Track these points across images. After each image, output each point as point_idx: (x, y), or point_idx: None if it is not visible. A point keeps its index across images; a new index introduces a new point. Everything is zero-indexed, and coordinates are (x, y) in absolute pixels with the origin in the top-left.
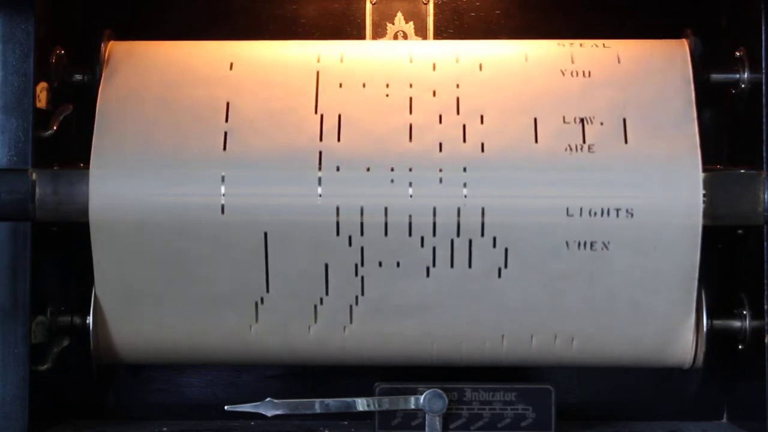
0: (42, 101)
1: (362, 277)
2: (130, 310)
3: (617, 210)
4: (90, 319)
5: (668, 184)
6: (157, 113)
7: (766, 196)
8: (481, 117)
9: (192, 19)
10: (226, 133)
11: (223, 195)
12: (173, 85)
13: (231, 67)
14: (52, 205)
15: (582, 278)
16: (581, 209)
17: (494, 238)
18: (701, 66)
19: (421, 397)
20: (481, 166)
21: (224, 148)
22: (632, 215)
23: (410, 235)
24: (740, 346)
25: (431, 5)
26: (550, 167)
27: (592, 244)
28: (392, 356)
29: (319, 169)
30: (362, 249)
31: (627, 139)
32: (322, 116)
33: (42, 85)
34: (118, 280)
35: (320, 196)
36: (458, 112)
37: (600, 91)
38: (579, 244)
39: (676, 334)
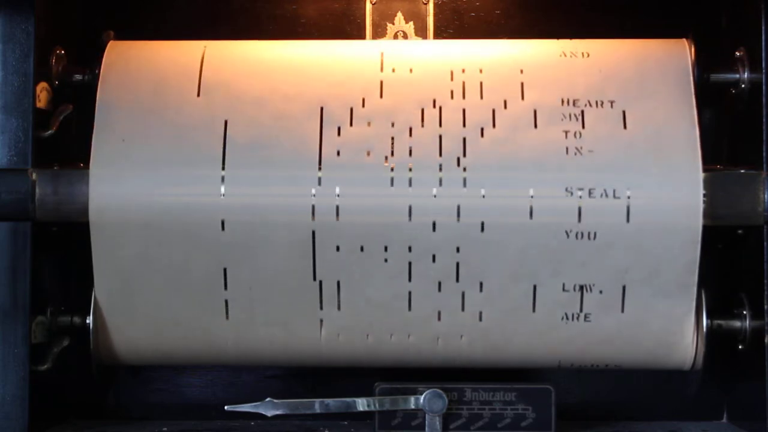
0: (42, 101)
1: None
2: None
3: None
4: (90, 319)
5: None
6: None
7: (766, 196)
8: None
9: (192, 19)
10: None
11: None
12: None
13: None
14: (52, 205)
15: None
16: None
17: None
18: (701, 66)
19: (421, 397)
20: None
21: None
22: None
23: None
24: (740, 346)
25: (431, 5)
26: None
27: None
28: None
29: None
30: None
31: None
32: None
33: (42, 85)
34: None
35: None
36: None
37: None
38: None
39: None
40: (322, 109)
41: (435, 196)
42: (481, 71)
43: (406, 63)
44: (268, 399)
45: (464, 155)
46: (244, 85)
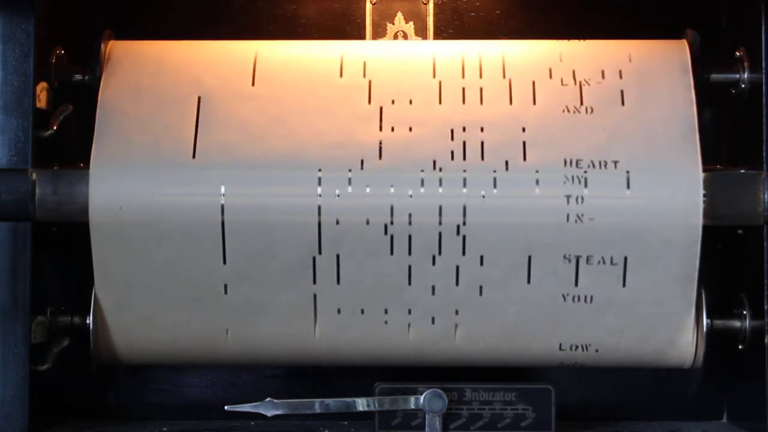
0: (42, 101)
1: None
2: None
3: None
4: (90, 319)
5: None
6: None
7: (766, 196)
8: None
9: (192, 19)
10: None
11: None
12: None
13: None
14: (52, 205)
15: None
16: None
17: None
18: (701, 66)
19: (421, 397)
20: None
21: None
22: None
23: None
24: (740, 346)
25: (431, 5)
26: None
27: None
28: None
29: None
30: None
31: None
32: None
33: (42, 85)
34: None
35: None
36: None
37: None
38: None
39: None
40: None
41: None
42: (482, 130)
43: (405, 123)
44: (268, 399)
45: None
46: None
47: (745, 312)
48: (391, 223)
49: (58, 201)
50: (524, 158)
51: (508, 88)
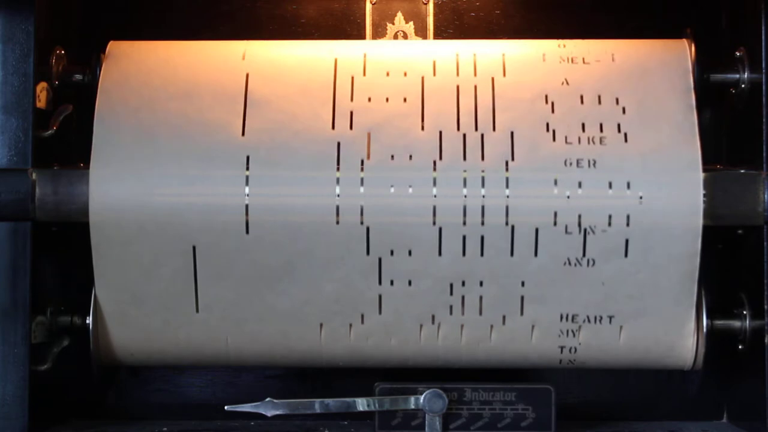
0: (42, 101)
1: None
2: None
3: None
4: (90, 319)
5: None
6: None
7: (766, 196)
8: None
9: (192, 19)
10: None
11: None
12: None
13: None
14: (52, 205)
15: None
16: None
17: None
18: (701, 66)
19: (421, 397)
20: None
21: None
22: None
23: None
24: (740, 346)
25: (431, 5)
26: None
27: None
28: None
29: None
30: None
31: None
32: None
33: (42, 85)
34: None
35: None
36: None
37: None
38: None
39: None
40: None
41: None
42: (481, 284)
43: (404, 277)
44: (268, 399)
45: None
46: None
47: (745, 312)
48: None
49: (58, 201)
50: (521, 313)
51: (510, 236)
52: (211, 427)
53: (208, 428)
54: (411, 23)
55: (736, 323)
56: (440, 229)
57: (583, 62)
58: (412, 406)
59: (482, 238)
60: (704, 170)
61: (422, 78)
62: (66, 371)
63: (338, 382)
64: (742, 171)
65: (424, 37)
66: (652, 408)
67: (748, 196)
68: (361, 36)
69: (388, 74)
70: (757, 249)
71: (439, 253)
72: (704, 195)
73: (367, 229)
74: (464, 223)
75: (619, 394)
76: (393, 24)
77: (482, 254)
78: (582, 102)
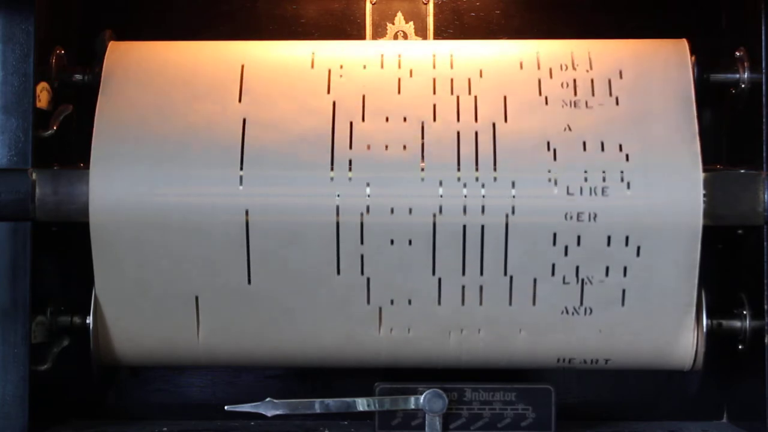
0: (42, 101)
1: None
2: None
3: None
4: (90, 319)
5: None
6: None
7: (766, 196)
8: None
9: (192, 19)
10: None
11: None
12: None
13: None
14: (52, 205)
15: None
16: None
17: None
18: (701, 66)
19: (421, 397)
20: None
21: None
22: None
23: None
24: (740, 346)
25: (431, 5)
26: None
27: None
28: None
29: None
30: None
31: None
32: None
33: (42, 85)
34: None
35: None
36: None
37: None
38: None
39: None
40: None
41: None
42: (479, 331)
43: (404, 325)
44: (268, 399)
45: None
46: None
47: (745, 312)
48: None
49: (58, 201)
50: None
51: (509, 286)
52: (211, 427)
53: (208, 428)
54: (411, 23)
55: (736, 323)
56: (440, 280)
57: (586, 106)
58: (412, 406)
59: (481, 287)
60: (704, 170)
61: (422, 124)
62: (66, 371)
63: (338, 382)
64: (742, 171)
65: (424, 37)
66: (652, 408)
67: (748, 196)
68: (361, 36)
69: (387, 120)
70: (757, 249)
71: (439, 303)
72: (704, 195)
73: (368, 280)
74: (463, 274)
75: (619, 394)
76: (393, 24)
77: (481, 303)
78: (584, 149)
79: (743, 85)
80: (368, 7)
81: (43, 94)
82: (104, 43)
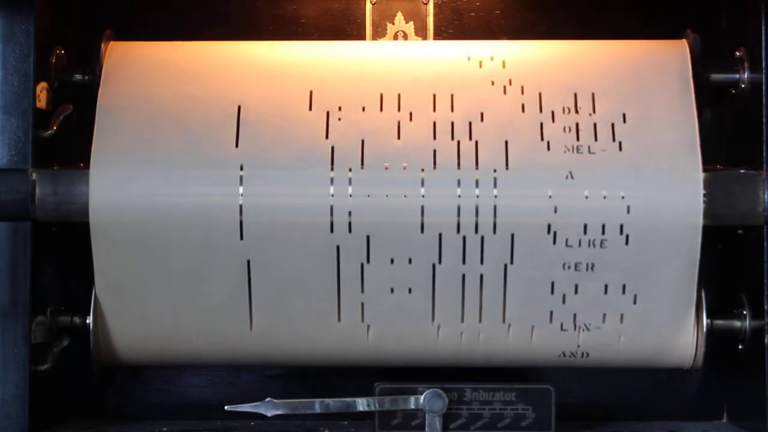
0: (42, 101)
1: None
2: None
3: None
4: (90, 319)
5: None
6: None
7: (766, 196)
8: None
9: (192, 19)
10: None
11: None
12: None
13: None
14: (52, 205)
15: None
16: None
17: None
18: (701, 66)
19: (421, 397)
20: None
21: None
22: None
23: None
24: (740, 346)
25: (431, 5)
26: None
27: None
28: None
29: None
30: None
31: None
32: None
33: (42, 85)
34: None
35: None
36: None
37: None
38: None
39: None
40: None
41: None
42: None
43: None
44: (268, 399)
45: None
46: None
47: (745, 312)
48: None
49: (58, 201)
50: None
51: (507, 331)
52: (211, 427)
53: (208, 428)
54: (411, 23)
55: (736, 323)
56: (438, 327)
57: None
58: (412, 406)
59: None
60: (704, 170)
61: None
62: (66, 371)
63: (338, 382)
64: (742, 171)
65: (424, 37)
66: (652, 408)
67: (748, 196)
68: (361, 36)
69: (386, 167)
70: (757, 249)
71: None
72: (704, 195)
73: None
74: (462, 320)
75: (619, 394)
76: (393, 24)
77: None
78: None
79: (743, 85)
80: (368, 7)
81: (43, 94)
82: (104, 45)
